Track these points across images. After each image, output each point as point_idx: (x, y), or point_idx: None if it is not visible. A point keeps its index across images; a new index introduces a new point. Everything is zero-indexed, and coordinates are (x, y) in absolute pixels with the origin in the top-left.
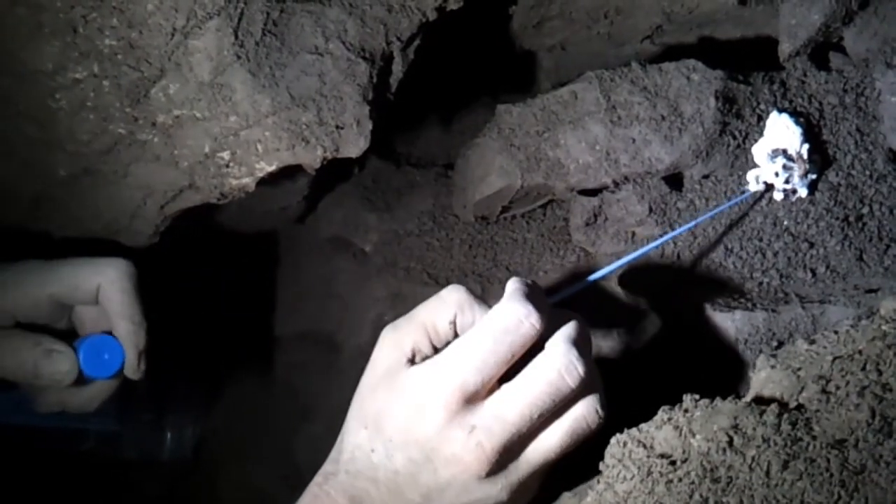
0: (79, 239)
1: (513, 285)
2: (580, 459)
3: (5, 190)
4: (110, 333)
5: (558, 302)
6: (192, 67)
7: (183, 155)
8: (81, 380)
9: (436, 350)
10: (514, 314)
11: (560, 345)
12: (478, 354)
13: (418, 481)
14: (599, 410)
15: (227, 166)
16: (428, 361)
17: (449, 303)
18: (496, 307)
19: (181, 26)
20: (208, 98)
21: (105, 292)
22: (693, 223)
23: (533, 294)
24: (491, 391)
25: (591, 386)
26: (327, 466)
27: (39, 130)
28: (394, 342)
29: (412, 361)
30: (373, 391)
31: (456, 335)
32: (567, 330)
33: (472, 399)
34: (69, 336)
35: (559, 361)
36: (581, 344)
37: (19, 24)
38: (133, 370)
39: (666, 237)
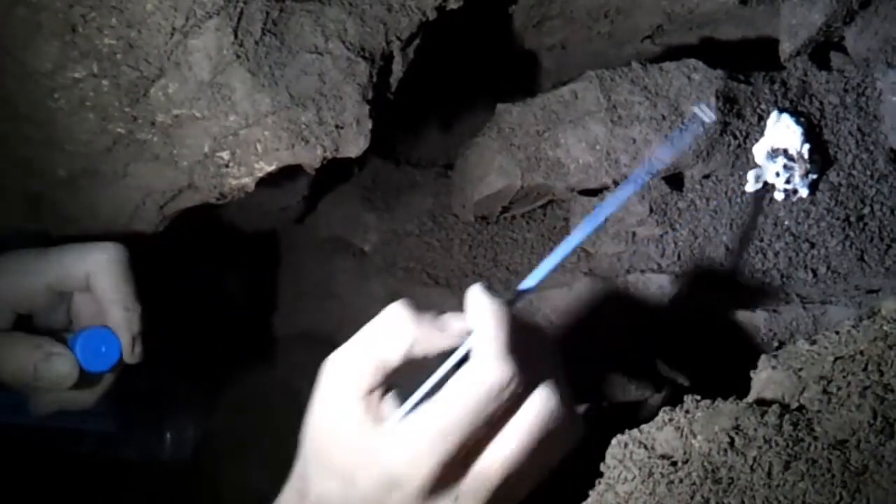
0: (77, 238)
1: (492, 328)
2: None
3: (4, 189)
4: (106, 327)
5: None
6: (191, 67)
7: (182, 154)
8: (83, 377)
9: (389, 378)
10: (497, 380)
11: (542, 402)
12: (457, 429)
13: None
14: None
15: (227, 166)
16: (402, 425)
17: (399, 337)
18: (476, 365)
19: (180, 25)
20: (208, 97)
21: (95, 278)
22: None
23: (514, 338)
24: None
25: (571, 429)
26: (293, 498)
27: (38, 130)
28: (346, 383)
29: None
30: (336, 443)
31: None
32: (548, 385)
33: (453, 467)
34: (68, 331)
35: (542, 421)
36: (562, 390)
37: (18, 23)
38: (129, 355)
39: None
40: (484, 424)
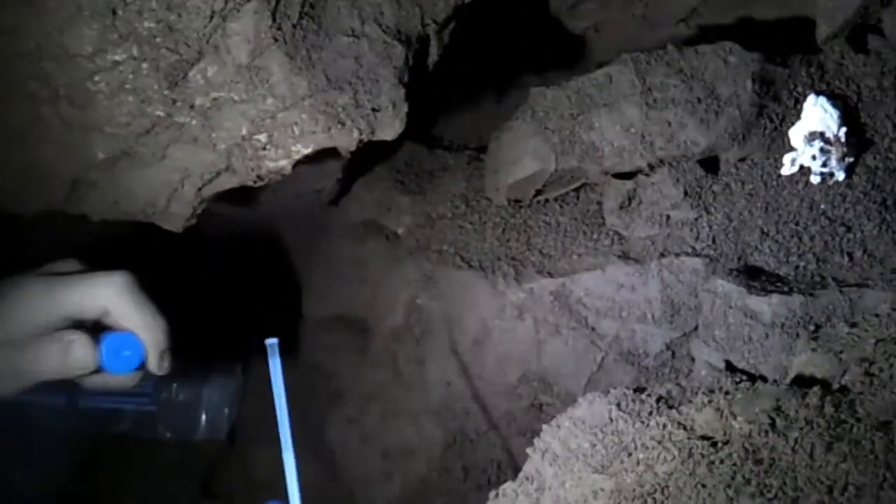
0: (117, 221)
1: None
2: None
3: (44, 173)
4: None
5: None
6: (229, 50)
7: (220, 137)
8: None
9: None
10: None
11: None
12: None
13: None
14: None
15: (264, 149)
16: None
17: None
18: None
19: (219, 9)
20: (246, 81)
21: (111, 311)
22: None
23: None
24: None
25: None
26: None
27: (78, 113)
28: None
29: None
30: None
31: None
32: None
33: None
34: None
35: None
36: None
37: (59, 7)
38: (158, 367)
39: None
40: None
